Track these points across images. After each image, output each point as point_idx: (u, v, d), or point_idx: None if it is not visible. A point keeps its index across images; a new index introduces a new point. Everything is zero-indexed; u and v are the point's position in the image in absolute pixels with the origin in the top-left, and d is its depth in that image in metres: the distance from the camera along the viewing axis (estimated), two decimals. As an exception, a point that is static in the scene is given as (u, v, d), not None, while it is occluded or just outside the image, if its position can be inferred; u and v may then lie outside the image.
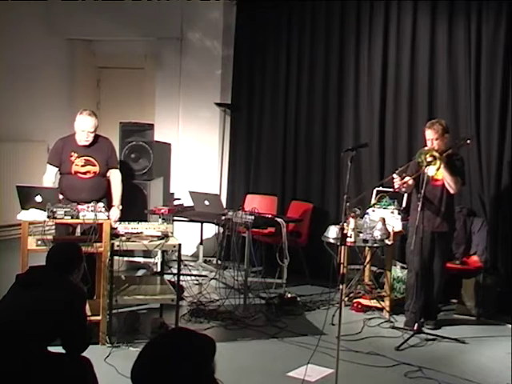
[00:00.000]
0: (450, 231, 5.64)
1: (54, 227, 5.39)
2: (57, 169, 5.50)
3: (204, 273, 7.12)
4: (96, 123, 5.45)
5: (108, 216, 5.00)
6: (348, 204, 4.25)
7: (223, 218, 6.12)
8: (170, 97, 8.16)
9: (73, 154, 5.45)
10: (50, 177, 5.51)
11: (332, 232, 5.82)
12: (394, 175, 5.35)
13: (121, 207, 5.57)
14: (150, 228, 5.17)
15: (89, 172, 5.49)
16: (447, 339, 5.30)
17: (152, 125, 7.79)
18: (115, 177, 5.68)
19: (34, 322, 3.19)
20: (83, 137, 5.42)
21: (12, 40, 8.25)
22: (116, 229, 5.04)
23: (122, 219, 5.32)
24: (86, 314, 3.68)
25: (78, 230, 5.55)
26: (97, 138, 5.54)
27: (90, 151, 5.49)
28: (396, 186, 5.35)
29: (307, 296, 6.40)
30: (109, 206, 5.44)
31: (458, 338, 5.33)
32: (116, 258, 4.99)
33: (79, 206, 4.89)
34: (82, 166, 5.47)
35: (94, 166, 5.50)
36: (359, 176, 7.01)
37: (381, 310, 5.93)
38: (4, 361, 3.07)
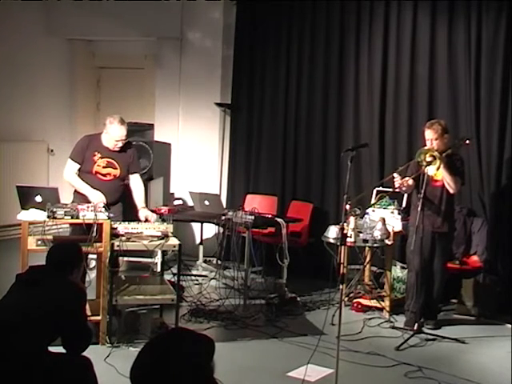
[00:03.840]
0: (451, 231, 5.64)
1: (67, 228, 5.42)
2: (78, 166, 5.40)
3: (204, 273, 7.12)
4: (126, 128, 5.40)
5: (146, 217, 5.28)
6: (348, 204, 4.25)
7: (223, 217, 6.12)
8: (170, 97, 8.16)
9: (96, 153, 5.40)
10: (73, 171, 5.39)
11: (332, 232, 5.82)
12: (395, 174, 5.35)
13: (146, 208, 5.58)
14: (150, 228, 5.17)
15: (109, 174, 5.44)
16: (447, 339, 5.30)
17: (152, 125, 7.80)
18: (137, 181, 5.61)
19: (34, 322, 3.19)
20: (117, 144, 5.39)
21: (12, 40, 8.26)
22: (116, 229, 5.03)
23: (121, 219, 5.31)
24: (86, 314, 3.68)
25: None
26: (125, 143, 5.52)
27: (114, 154, 5.44)
28: (396, 185, 5.35)
29: (307, 296, 6.41)
30: (132, 211, 5.48)
31: (457, 338, 5.32)
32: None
33: (79, 206, 4.89)
34: (104, 167, 5.42)
35: (115, 169, 5.46)
36: (359, 176, 7.01)
37: (381, 310, 5.93)
38: (4, 360, 3.07)
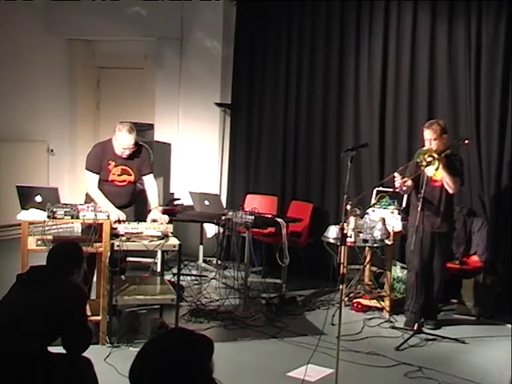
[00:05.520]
0: (450, 231, 5.64)
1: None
2: (98, 175, 5.40)
3: (204, 273, 7.12)
4: (135, 136, 5.40)
5: (156, 219, 5.26)
6: (349, 204, 4.24)
7: (223, 217, 6.12)
8: (169, 97, 8.16)
9: (110, 162, 5.41)
10: (95, 184, 5.39)
11: (332, 232, 5.82)
12: (396, 174, 5.34)
13: (160, 208, 5.57)
14: (150, 228, 5.17)
15: (124, 181, 5.47)
16: (447, 339, 5.30)
17: (152, 125, 7.80)
18: (150, 182, 5.60)
19: (35, 322, 3.19)
20: (125, 152, 5.39)
21: (12, 40, 8.26)
22: (116, 229, 5.04)
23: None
24: (86, 314, 3.68)
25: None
26: (135, 147, 5.50)
27: (127, 161, 5.45)
28: (397, 184, 5.34)
29: (307, 296, 6.41)
30: (144, 210, 5.52)
31: (458, 338, 5.32)
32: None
33: (79, 206, 4.90)
34: (119, 175, 5.44)
35: (130, 175, 5.48)
36: (359, 176, 7.01)
37: (381, 310, 5.93)
38: (4, 360, 3.07)
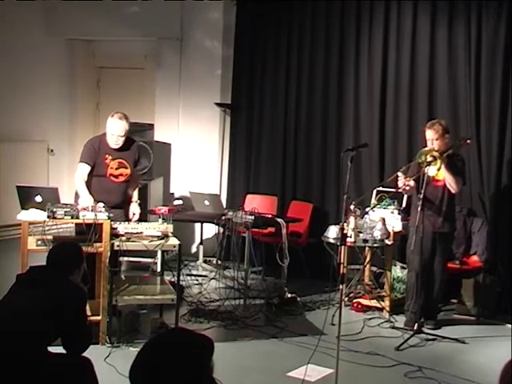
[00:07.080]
0: (451, 231, 5.64)
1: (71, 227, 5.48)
2: (89, 167, 5.37)
3: (204, 273, 7.12)
4: (126, 127, 5.37)
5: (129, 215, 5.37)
6: (352, 204, 4.25)
7: (223, 217, 6.12)
8: (169, 97, 8.16)
9: (107, 156, 5.40)
10: (83, 175, 5.33)
11: (332, 232, 5.82)
12: (399, 173, 5.33)
13: (139, 201, 5.64)
14: (150, 228, 5.17)
15: (121, 175, 5.45)
16: (447, 339, 5.30)
17: (152, 125, 7.80)
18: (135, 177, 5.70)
19: (35, 322, 3.19)
20: (113, 140, 5.37)
21: (12, 40, 8.26)
22: (116, 229, 5.03)
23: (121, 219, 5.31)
24: (86, 314, 3.68)
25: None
26: (127, 140, 5.48)
27: (123, 154, 5.45)
28: (400, 184, 5.33)
29: (307, 296, 6.41)
30: (144, 210, 5.64)
31: (458, 338, 5.32)
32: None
33: (79, 206, 4.89)
34: (116, 168, 5.43)
35: (126, 168, 5.46)
36: (359, 176, 7.01)
37: (381, 310, 5.93)
38: (4, 360, 3.07)
